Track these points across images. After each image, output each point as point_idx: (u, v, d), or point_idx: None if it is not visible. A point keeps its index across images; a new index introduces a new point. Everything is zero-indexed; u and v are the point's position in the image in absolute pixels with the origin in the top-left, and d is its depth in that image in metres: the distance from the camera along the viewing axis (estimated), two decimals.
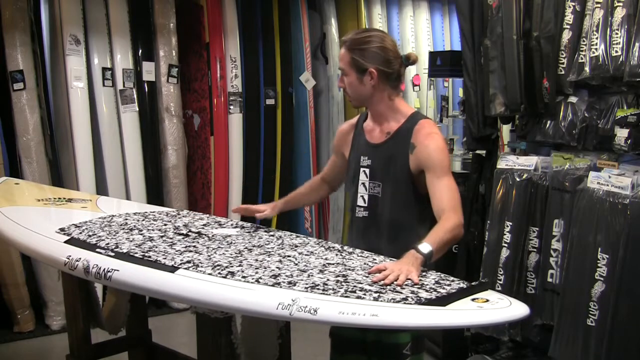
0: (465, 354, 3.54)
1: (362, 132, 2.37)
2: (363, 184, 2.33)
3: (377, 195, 2.29)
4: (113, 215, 2.72)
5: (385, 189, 2.28)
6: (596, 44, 2.77)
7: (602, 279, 2.68)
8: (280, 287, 1.77)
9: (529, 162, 3.19)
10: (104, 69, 4.34)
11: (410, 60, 2.31)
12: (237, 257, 2.08)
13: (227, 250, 2.16)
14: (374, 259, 2.08)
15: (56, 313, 4.16)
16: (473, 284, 1.79)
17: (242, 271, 1.90)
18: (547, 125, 3.16)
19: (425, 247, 1.94)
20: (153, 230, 2.46)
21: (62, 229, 2.41)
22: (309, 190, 2.69)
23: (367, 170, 2.31)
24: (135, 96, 4.45)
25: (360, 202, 2.33)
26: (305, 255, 2.12)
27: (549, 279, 3.06)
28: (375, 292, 1.73)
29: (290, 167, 5.13)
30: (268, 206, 2.61)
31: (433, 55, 4.28)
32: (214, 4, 4.70)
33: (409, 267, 1.85)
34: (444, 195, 2.14)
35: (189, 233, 2.42)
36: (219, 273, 1.89)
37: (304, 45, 5.10)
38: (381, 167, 2.28)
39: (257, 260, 2.04)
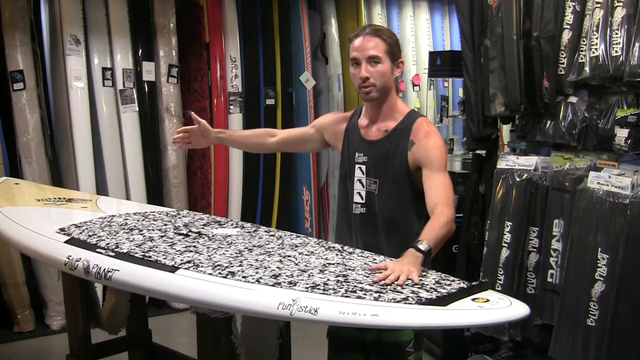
0: (465, 354, 3.53)
1: (356, 128, 2.37)
2: (359, 180, 2.33)
3: (373, 192, 2.30)
4: (113, 215, 2.72)
5: (382, 185, 2.28)
6: (596, 44, 2.77)
7: (602, 279, 2.68)
8: (281, 287, 1.77)
9: (529, 162, 3.19)
10: (104, 69, 4.35)
11: None
12: (238, 257, 2.07)
13: (227, 250, 2.16)
14: (374, 259, 2.07)
15: (56, 313, 4.16)
16: (473, 283, 1.79)
17: (243, 271, 1.90)
18: (547, 125, 3.16)
19: (424, 245, 1.94)
20: (153, 230, 2.46)
21: (62, 229, 2.40)
22: (251, 135, 2.72)
23: (363, 167, 2.32)
24: (135, 96, 4.46)
25: (357, 198, 2.33)
26: (306, 255, 2.12)
27: (549, 279, 3.06)
28: (376, 292, 1.72)
29: (290, 166, 5.13)
30: (206, 130, 2.59)
31: (433, 55, 4.28)
32: (214, 4, 4.70)
33: (410, 267, 1.84)
34: (439, 189, 2.16)
35: (189, 233, 2.42)
36: (219, 273, 1.89)
37: (304, 45, 5.10)
38: (377, 164, 2.29)
39: (257, 260, 2.04)
